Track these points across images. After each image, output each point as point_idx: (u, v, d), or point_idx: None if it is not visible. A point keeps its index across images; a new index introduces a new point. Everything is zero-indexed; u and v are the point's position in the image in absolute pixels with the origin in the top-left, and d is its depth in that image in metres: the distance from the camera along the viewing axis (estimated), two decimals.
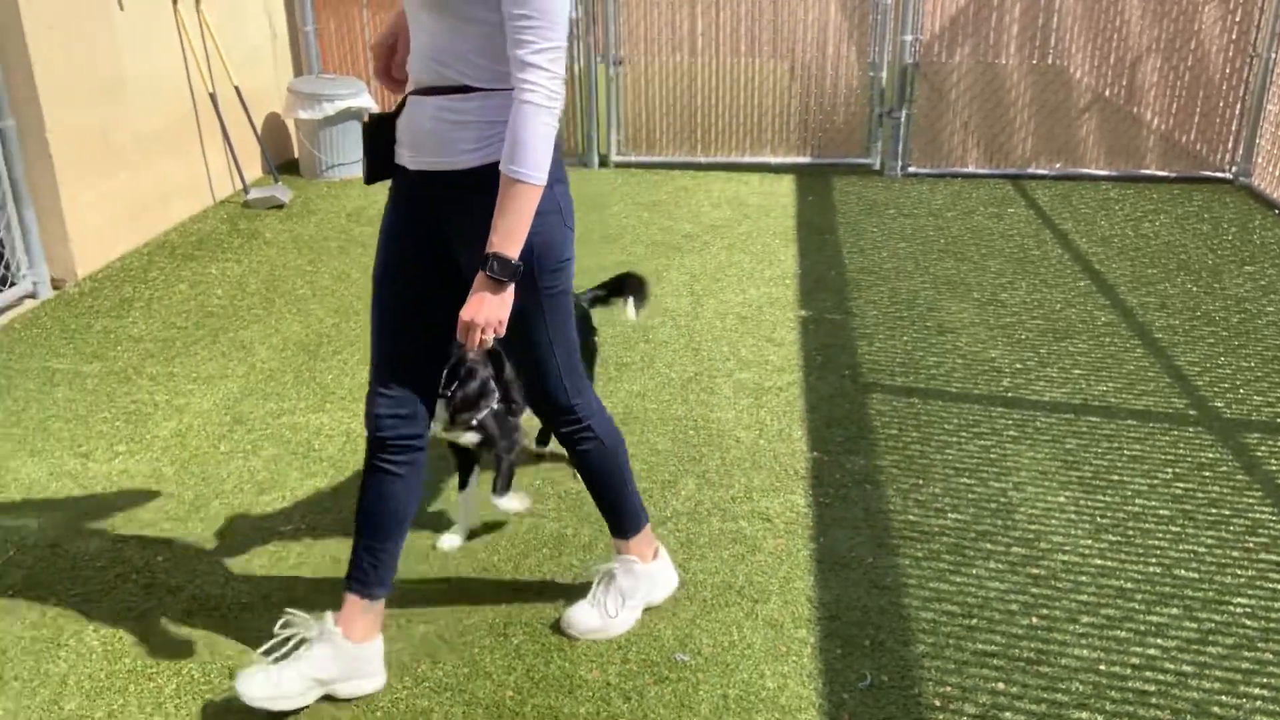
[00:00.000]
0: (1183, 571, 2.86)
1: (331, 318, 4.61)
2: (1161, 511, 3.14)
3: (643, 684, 2.46)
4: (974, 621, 2.66)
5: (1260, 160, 6.60)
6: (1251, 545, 2.98)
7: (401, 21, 2.29)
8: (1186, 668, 2.51)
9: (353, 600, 2.37)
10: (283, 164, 7.07)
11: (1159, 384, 3.96)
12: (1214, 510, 3.15)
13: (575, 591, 2.75)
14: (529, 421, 3.06)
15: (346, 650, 2.34)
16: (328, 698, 2.37)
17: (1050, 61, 6.77)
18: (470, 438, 2.80)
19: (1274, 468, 3.38)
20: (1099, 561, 2.89)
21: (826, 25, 6.88)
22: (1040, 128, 6.87)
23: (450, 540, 2.97)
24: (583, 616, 2.60)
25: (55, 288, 4.97)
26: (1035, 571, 2.86)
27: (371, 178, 2.22)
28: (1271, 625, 2.65)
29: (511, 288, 2.07)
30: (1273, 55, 6.43)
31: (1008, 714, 2.36)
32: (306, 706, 2.34)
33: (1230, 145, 6.75)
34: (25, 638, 2.63)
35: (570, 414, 2.43)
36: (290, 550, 2.97)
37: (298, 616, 2.40)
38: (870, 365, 4.11)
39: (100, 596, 2.79)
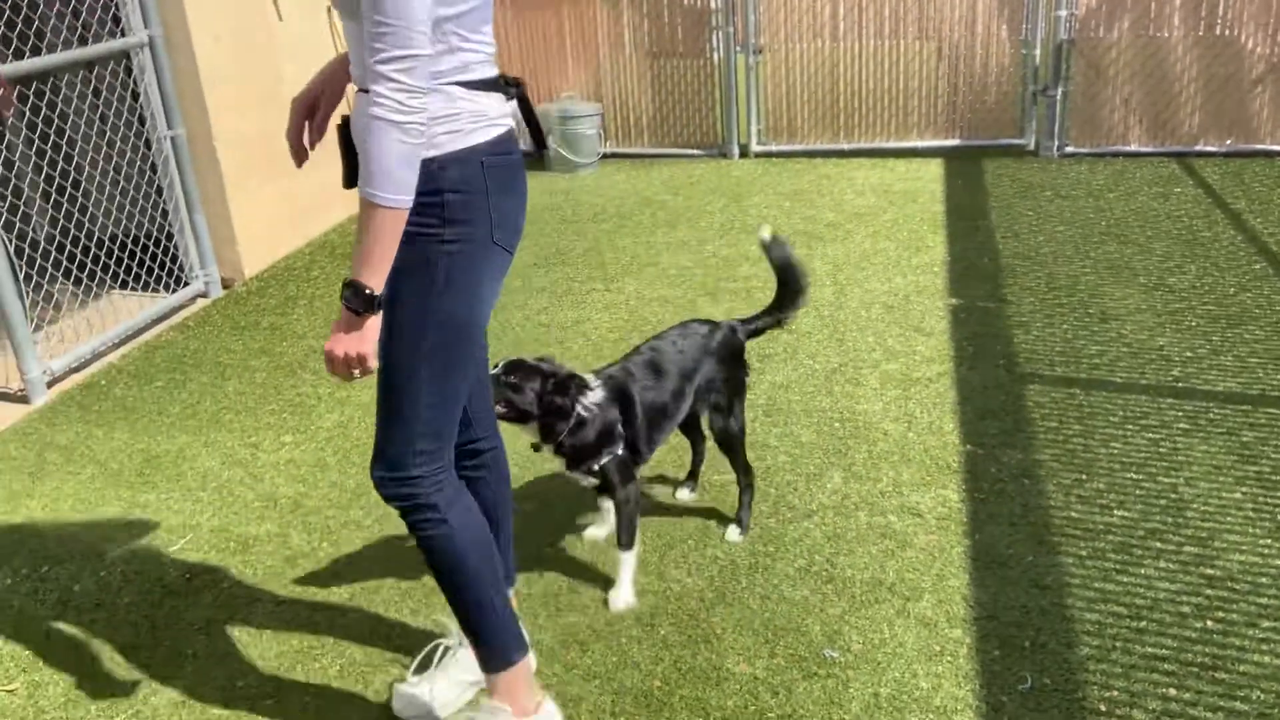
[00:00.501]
0: None
1: None
2: None
3: (791, 679, 2.43)
4: (1142, 624, 2.53)
5: None
6: None
7: (331, 77, 2.18)
8: None
9: None
10: None
11: None
12: None
13: (722, 585, 2.75)
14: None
15: None
16: None
17: (1219, 32, 6.36)
18: (588, 481, 2.71)
19: None
20: None
21: (975, 3, 6.64)
22: (1208, 102, 6.47)
23: (595, 531, 3.00)
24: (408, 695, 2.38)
25: (225, 287, 5.25)
26: (1209, 572, 2.69)
27: (349, 182, 1.96)
28: None
29: (373, 320, 1.84)
30: None
31: None
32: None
33: None
34: (201, 619, 2.79)
35: (411, 487, 2.05)
36: None
37: (440, 624, 2.47)
38: (1027, 355, 3.95)
39: (269, 580, 2.93)
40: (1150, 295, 4.43)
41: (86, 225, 4.81)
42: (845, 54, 6.89)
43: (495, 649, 2.16)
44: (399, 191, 1.77)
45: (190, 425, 3.86)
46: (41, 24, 4.33)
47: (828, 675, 2.44)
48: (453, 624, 2.37)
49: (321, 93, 2.19)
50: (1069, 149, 6.69)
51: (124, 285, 4.88)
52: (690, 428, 3.07)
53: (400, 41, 1.71)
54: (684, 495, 3.16)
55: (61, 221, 4.70)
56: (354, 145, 1.89)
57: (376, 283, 1.81)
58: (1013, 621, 2.56)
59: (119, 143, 4.86)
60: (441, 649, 2.44)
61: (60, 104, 4.59)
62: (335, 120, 2.08)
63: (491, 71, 1.97)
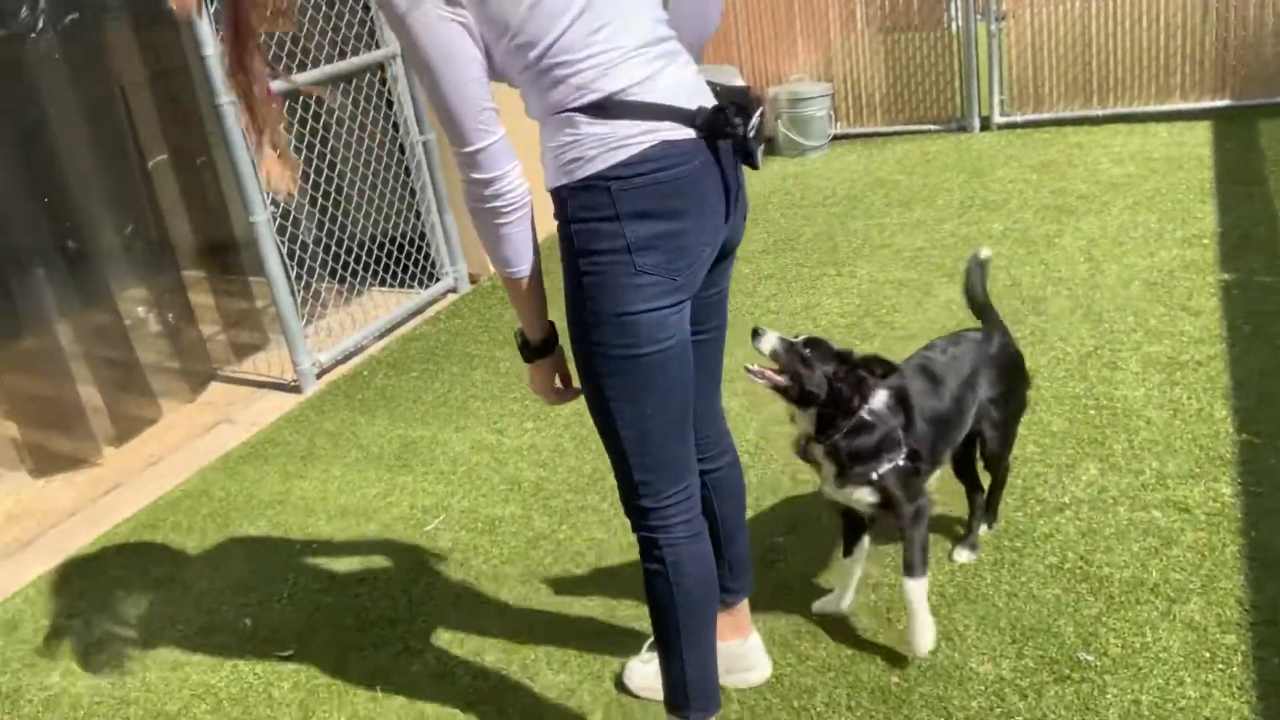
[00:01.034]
0: None
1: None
2: None
3: (1041, 682, 2.30)
4: None
5: None
6: None
7: None
8: None
9: None
10: None
11: None
12: None
13: (965, 581, 2.63)
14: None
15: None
16: None
17: None
18: (865, 497, 2.35)
19: None
20: None
21: None
22: None
23: (829, 603, 2.63)
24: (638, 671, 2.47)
25: (472, 282, 5.54)
26: None
27: None
28: None
29: (544, 362, 2.04)
30: None
31: None
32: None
33: None
34: (452, 595, 2.95)
35: (639, 518, 2.01)
36: None
37: None
38: None
39: (513, 559, 3.06)
40: None
41: (348, 227, 5.19)
42: (1098, 13, 6.42)
43: (681, 694, 2.10)
44: (502, 266, 1.89)
45: (442, 412, 4.10)
46: (306, 41, 4.69)
47: (1081, 679, 2.29)
48: None
49: None
50: None
51: (382, 282, 5.24)
52: (961, 462, 2.73)
53: (458, 139, 1.74)
54: (962, 556, 2.73)
55: (326, 224, 5.10)
56: None
57: (530, 332, 2.00)
58: None
59: (376, 149, 5.21)
60: None
61: (324, 115, 4.97)
62: None
63: (636, 75, 1.77)
